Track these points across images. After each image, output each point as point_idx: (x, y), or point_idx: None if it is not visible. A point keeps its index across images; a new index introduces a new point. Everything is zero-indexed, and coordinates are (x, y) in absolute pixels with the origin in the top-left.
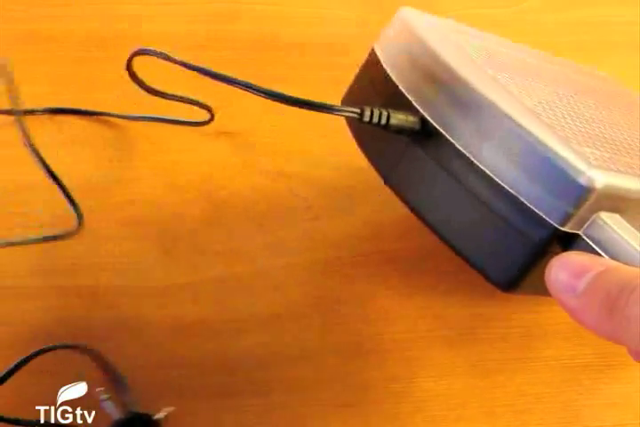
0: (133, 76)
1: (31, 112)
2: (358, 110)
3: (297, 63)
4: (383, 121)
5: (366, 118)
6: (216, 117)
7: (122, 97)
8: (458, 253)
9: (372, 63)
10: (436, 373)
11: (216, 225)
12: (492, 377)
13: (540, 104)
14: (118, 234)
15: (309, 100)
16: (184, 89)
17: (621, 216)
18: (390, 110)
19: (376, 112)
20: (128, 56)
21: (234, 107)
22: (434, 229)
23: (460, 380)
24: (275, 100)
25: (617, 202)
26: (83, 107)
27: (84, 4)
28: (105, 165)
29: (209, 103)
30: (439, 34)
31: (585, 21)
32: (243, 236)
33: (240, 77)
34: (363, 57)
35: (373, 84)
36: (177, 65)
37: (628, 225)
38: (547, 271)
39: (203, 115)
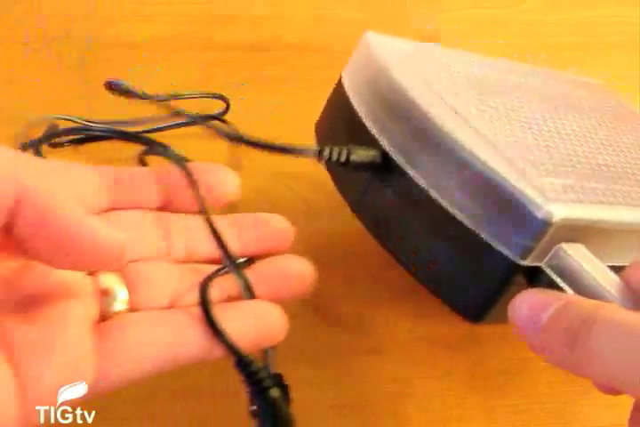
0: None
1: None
2: (317, 150)
3: (297, 63)
4: (342, 159)
5: (325, 158)
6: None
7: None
8: (424, 285)
9: (339, 91)
10: (436, 373)
11: None
12: (492, 377)
13: (505, 131)
14: None
15: (267, 143)
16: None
17: (585, 246)
18: (351, 147)
19: (335, 151)
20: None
21: (234, 107)
22: (399, 262)
23: (460, 380)
24: (233, 142)
25: (579, 232)
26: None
27: (84, 4)
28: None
29: (210, 104)
30: (402, 62)
31: (585, 22)
32: None
33: (239, 78)
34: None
35: (339, 113)
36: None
37: (590, 255)
38: (509, 310)
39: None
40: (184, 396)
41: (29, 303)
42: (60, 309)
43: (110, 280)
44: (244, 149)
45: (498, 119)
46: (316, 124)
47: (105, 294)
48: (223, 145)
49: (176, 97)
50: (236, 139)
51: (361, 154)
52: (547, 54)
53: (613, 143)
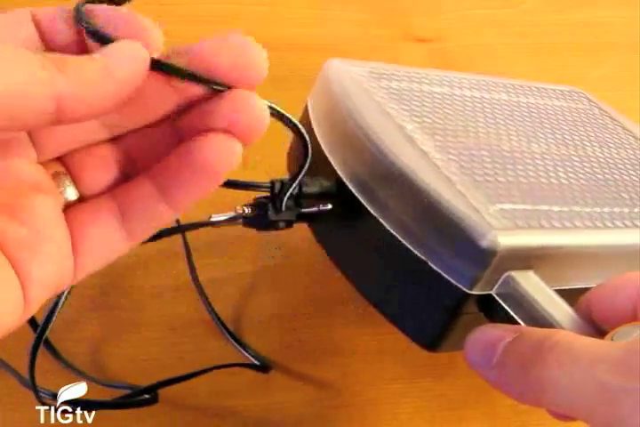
0: None
1: None
2: (269, 184)
3: (297, 64)
4: (295, 191)
5: (276, 191)
6: None
7: None
8: (382, 314)
9: (305, 117)
10: (436, 373)
11: (216, 225)
12: None
13: (458, 155)
14: None
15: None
16: None
17: (539, 272)
18: (302, 179)
19: (287, 185)
20: None
21: None
22: (359, 291)
23: (460, 380)
24: None
25: (527, 259)
26: None
27: None
28: None
29: None
30: (359, 90)
31: (585, 22)
32: (243, 236)
33: None
34: (362, 58)
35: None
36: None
37: (540, 282)
38: (465, 348)
39: None
40: (183, 396)
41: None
42: (35, 203)
43: (57, 169)
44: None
45: (452, 142)
46: (288, 151)
47: (57, 182)
48: None
49: None
50: None
51: (314, 185)
52: (547, 54)
53: (581, 160)
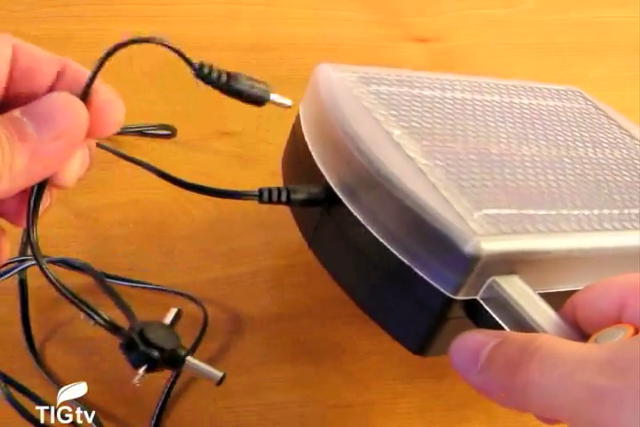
0: None
1: None
2: (257, 193)
3: (297, 64)
4: (283, 198)
5: (265, 199)
6: (216, 118)
7: None
8: (371, 318)
9: (297, 123)
10: (436, 373)
11: (216, 225)
12: None
13: (444, 160)
14: (120, 234)
15: (211, 188)
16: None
17: (521, 276)
18: (290, 186)
19: (274, 192)
20: None
21: (233, 108)
22: (349, 295)
23: (460, 380)
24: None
25: (511, 264)
26: None
27: (83, 4)
28: (106, 166)
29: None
30: (347, 96)
31: (584, 22)
32: (243, 236)
33: None
34: (362, 58)
35: (296, 147)
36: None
37: (524, 286)
38: (450, 353)
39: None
40: (182, 396)
41: None
42: None
43: None
44: (244, 147)
45: (440, 146)
46: (282, 157)
47: None
48: (224, 143)
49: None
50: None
51: (302, 192)
52: (547, 54)
53: (572, 161)
